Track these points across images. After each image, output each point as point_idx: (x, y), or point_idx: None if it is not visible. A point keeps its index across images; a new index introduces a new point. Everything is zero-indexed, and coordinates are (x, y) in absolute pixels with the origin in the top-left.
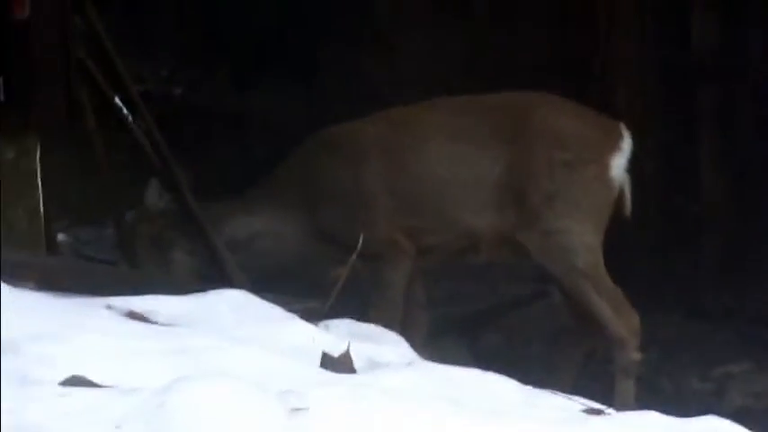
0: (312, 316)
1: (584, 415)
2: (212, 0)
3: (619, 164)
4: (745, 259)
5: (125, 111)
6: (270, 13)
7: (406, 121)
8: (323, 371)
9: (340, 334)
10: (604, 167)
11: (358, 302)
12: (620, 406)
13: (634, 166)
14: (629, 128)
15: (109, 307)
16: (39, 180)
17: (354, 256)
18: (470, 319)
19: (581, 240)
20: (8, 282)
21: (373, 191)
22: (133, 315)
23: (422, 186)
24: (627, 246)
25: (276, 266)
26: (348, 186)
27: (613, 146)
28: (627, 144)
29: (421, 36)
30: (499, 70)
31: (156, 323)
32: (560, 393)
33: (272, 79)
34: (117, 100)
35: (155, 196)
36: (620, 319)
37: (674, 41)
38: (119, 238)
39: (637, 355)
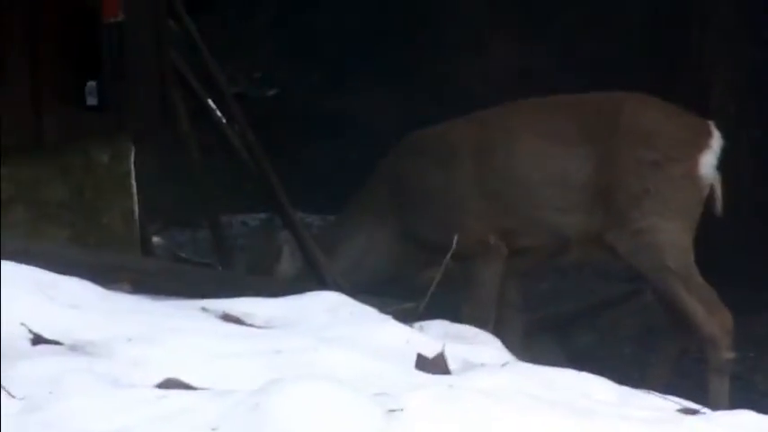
0: (406, 317)
1: (680, 415)
2: (307, 1)
3: (708, 162)
4: None
5: (219, 113)
6: (365, 14)
7: (496, 122)
8: (418, 372)
9: (434, 335)
10: (693, 166)
11: (452, 304)
12: (715, 405)
13: (725, 164)
14: (720, 127)
15: (204, 309)
16: (133, 183)
17: (449, 258)
18: (564, 319)
19: (670, 239)
20: (103, 284)
21: (464, 192)
22: (228, 317)
23: (511, 187)
24: (723, 244)
25: (378, 277)
26: (439, 188)
27: (702, 144)
28: (716, 142)
29: (512, 36)
30: (591, 70)
31: (251, 325)
32: (655, 393)
33: (366, 80)
34: (211, 102)
35: (287, 262)
36: (713, 318)
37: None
38: (213, 240)
39: (730, 354)
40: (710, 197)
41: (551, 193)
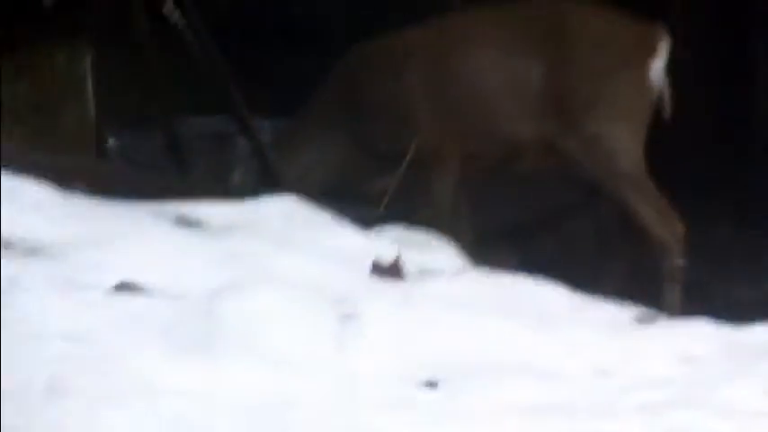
0: (363, 223)
1: (635, 322)
2: None
3: (657, 67)
4: None
5: (176, 15)
6: None
7: (445, 32)
8: (374, 278)
9: (391, 241)
10: (643, 71)
11: (408, 210)
12: (667, 311)
13: (680, 73)
14: (685, 31)
15: (159, 213)
16: (89, 85)
17: (405, 165)
18: (520, 226)
19: (621, 144)
20: (58, 185)
21: (415, 101)
22: (183, 221)
23: (463, 93)
24: (680, 152)
25: (324, 180)
26: (391, 98)
27: (651, 49)
28: (665, 46)
29: None
30: None
31: (206, 229)
32: (611, 300)
33: None
34: (168, 5)
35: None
36: (664, 225)
37: None
38: (168, 144)
39: (681, 261)
40: (660, 101)
41: (503, 100)
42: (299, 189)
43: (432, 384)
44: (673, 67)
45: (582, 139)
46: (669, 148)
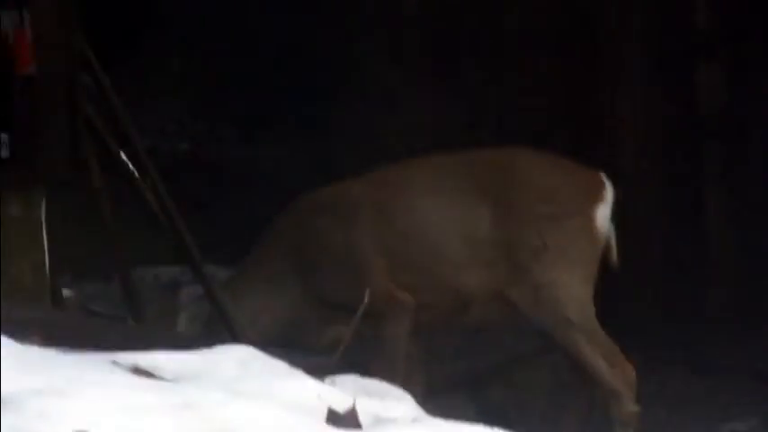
0: (318, 372)
1: None
2: (218, 55)
3: (603, 214)
4: (752, 314)
5: (131, 166)
6: (277, 69)
7: (393, 180)
8: (329, 427)
9: (346, 390)
10: (589, 218)
11: (362, 359)
12: None
13: (639, 219)
14: (635, 183)
15: (114, 362)
16: (44, 234)
17: (360, 313)
18: (475, 374)
19: (570, 292)
20: (12, 337)
21: (366, 250)
22: (138, 370)
23: (411, 244)
24: (632, 299)
25: (272, 327)
26: (340, 247)
27: (596, 196)
28: (609, 193)
29: (424, 93)
30: (503, 128)
31: (161, 378)
32: None
33: (278, 134)
34: (123, 155)
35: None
36: (615, 371)
37: (680, 100)
38: (124, 294)
39: (634, 408)
40: (606, 249)
41: (450, 249)
42: (251, 336)
43: None
44: (624, 213)
45: (530, 288)
46: (619, 290)
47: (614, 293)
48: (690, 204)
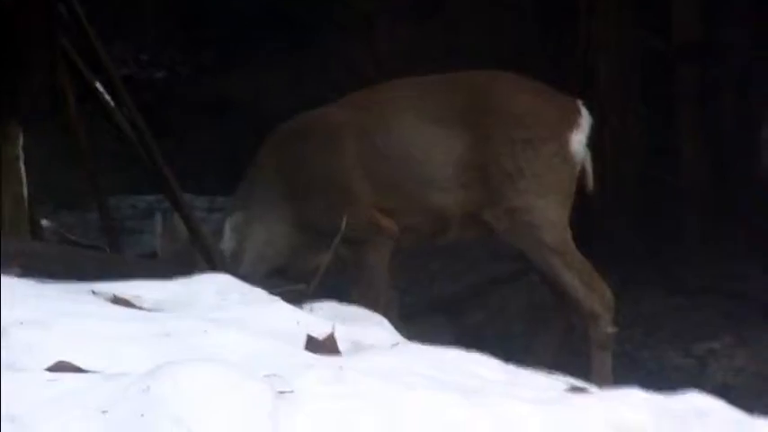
0: (296, 298)
1: (567, 393)
2: None
3: (578, 140)
4: (726, 235)
5: (107, 96)
6: None
7: (373, 104)
8: (308, 354)
9: (324, 316)
10: (565, 144)
11: (342, 285)
12: (598, 381)
13: (614, 143)
14: (611, 107)
15: (94, 292)
16: (22, 167)
17: (338, 239)
18: (452, 298)
19: (545, 216)
20: None
21: (349, 174)
22: (118, 300)
23: (392, 167)
24: (609, 221)
25: (271, 265)
26: (324, 172)
27: (572, 122)
28: (585, 120)
29: (400, 19)
30: (478, 50)
31: (140, 308)
32: (542, 371)
33: (254, 62)
34: (99, 85)
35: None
36: (592, 294)
37: (656, 27)
38: (103, 224)
39: (611, 329)
40: (582, 175)
41: (429, 171)
42: (261, 271)
43: None
44: (599, 138)
45: (506, 211)
46: (594, 213)
47: (589, 216)
48: (664, 129)
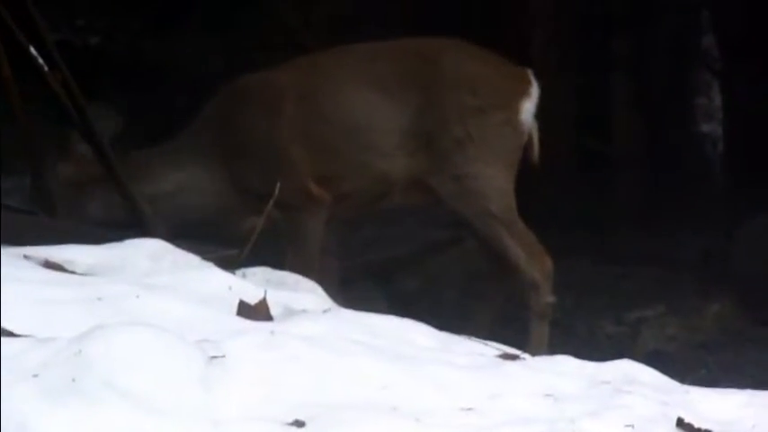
0: (229, 264)
1: (500, 360)
2: None
3: (527, 109)
4: (658, 204)
5: (41, 61)
6: None
7: (317, 68)
8: (240, 319)
9: (257, 282)
10: (514, 113)
11: (275, 251)
12: (535, 349)
13: (547, 111)
14: (543, 73)
15: (26, 257)
16: None
17: (271, 205)
18: (386, 265)
19: (492, 184)
20: None
21: (287, 139)
22: (50, 264)
23: (334, 133)
24: (542, 190)
25: (195, 218)
26: (262, 134)
27: (522, 92)
28: (535, 90)
29: None
30: (415, 18)
31: (73, 272)
32: (476, 339)
33: (190, 26)
34: (33, 50)
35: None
36: (534, 263)
37: None
38: (37, 188)
39: (551, 299)
40: (528, 144)
41: (373, 137)
42: (166, 226)
43: (299, 424)
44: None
45: (451, 178)
46: (532, 184)
47: (524, 184)
48: (598, 93)
